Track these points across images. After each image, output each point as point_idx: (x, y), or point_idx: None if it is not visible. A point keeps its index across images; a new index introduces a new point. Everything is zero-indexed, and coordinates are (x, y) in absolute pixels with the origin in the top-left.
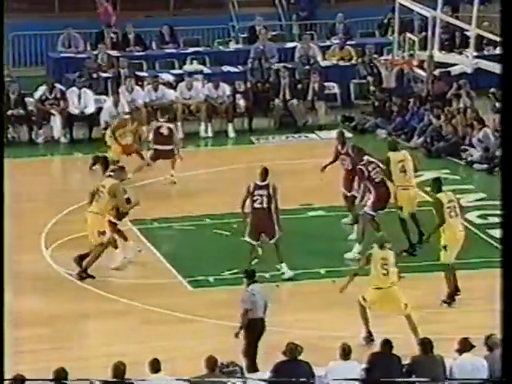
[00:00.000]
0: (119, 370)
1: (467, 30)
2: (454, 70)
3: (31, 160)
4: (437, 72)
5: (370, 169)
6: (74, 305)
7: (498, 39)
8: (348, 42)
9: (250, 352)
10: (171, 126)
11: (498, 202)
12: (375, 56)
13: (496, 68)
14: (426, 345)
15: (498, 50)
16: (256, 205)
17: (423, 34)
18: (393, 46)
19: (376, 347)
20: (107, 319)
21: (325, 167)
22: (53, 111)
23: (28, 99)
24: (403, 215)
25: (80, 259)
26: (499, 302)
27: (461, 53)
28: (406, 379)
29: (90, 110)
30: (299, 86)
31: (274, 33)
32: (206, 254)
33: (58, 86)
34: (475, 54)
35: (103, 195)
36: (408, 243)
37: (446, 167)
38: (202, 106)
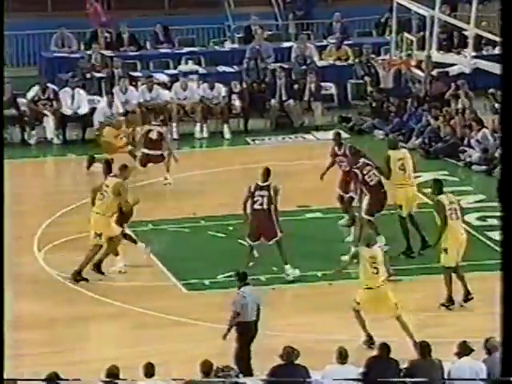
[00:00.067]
0: (113, 373)
1: (465, 30)
2: (453, 71)
3: (24, 161)
4: (435, 72)
5: (364, 172)
6: (66, 308)
7: (496, 39)
8: (345, 42)
9: (243, 356)
10: (162, 130)
11: (497, 204)
12: (372, 56)
13: (495, 68)
14: (424, 348)
15: (496, 50)
16: (256, 206)
17: (421, 33)
18: (390, 46)
19: (374, 351)
20: (101, 322)
21: (323, 174)
22: (46, 112)
23: (20, 100)
24: (403, 214)
25: (97, 267)
26: (499, 304)
27: (459, 53)
28: (402, 379)
29: (84, 110)
30: (295, 86)
31: (269, 32)
32: (200, 256)
33: (50, 86)
34: (474, 53)
35: (107, 194)
36: (406, 245)
37: (444, 168)
38: (197, 107)
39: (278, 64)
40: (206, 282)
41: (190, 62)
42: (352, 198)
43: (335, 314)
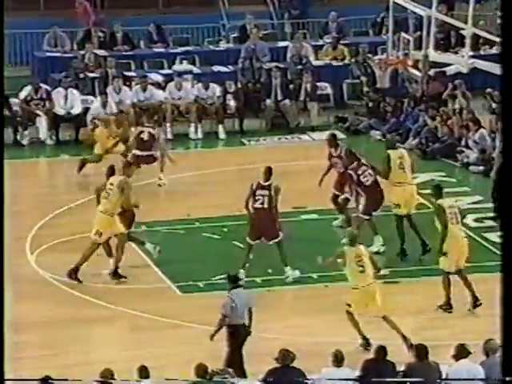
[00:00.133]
0: (107, 377)
1: (463, 29)
2: (450, 70)
3: (16, 162)
4: (432, 72)
5: (359, 172)
6: (60, 310)
7: (494, 38)
8: (341, 41)
9: (235, 359)
10: (154, 131)
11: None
12: (369, 55)
13: (492, 68)
14: (420, 351)
15: (494, 50)
16: (257, 205)
17: (418, 33)
18: (387, 46)
19: (370, 353)
20: (95, 325)
21: (321, 180)
22: (38, 112)
23: (13, 100)
24: (400, 213)
25: (115, 274)
26: (499, 306)
27: (456, 52)
28: (399, 381)
29: (77, 110)
30: (291, 86)
31: (265, 32)
32: (195, 258)
33: (43, 86)
34: (471, 53)
35: (113, 192)
36: (400, 245)
37: (441, 169)
38: (192, 107)
39: (274, 64)
40: (201, 284)
41: (184, 61)
42: (347, 199)
43: (332, 316)
